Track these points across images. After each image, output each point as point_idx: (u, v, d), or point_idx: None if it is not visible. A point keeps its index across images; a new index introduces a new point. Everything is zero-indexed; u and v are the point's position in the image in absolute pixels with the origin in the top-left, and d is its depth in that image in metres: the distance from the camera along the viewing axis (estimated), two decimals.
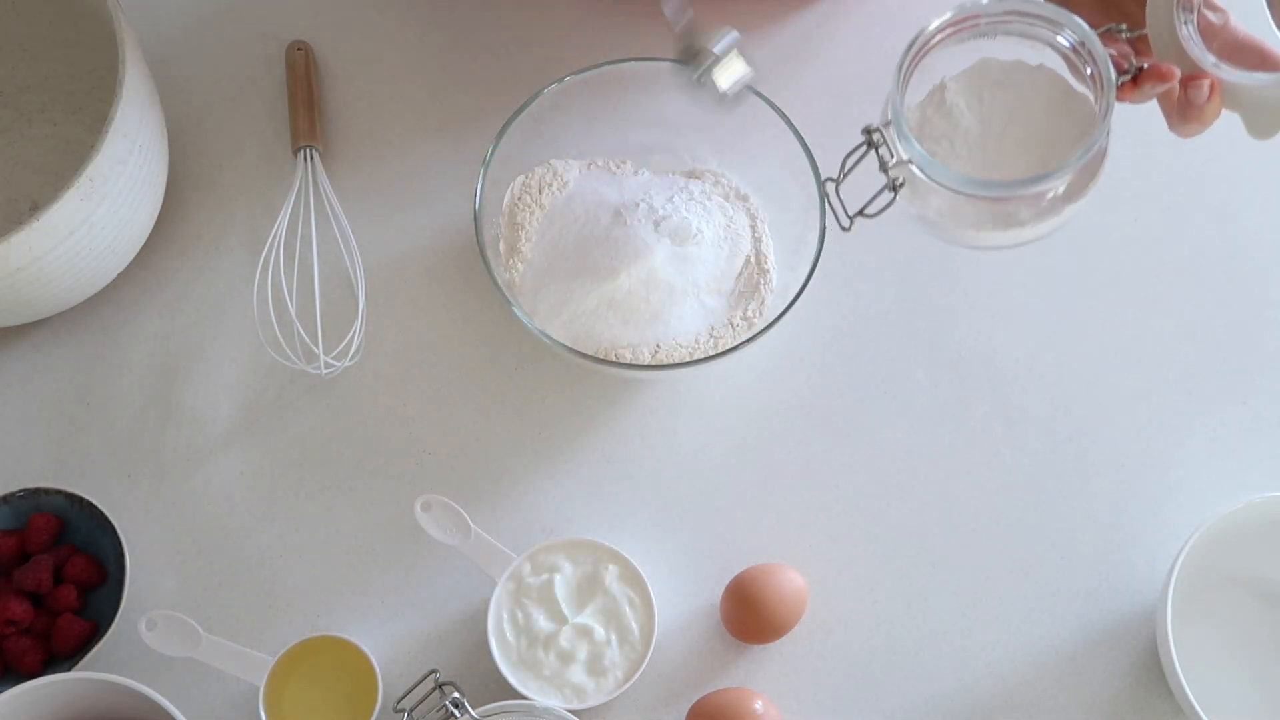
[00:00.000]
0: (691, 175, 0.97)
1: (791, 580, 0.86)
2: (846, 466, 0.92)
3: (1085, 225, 0.98)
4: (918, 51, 0.73)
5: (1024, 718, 0.86)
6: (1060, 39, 0.71)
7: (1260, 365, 0.95)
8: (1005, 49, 0.74)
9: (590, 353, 0.90)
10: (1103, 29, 0.71)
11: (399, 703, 0.83)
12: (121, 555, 0.87)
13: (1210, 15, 0.70)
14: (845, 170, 0.75)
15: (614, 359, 0.90)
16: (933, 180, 0.72)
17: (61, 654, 0.86)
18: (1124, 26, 0.71)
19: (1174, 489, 0.91)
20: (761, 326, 0.89)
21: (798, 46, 1.04)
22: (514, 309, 0.87)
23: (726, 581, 0.87)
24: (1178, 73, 0.69)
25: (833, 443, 0.93)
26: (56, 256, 0.85)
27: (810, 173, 0.89)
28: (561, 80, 0.92)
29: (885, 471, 0.92)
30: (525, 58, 1.03)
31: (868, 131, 0.73)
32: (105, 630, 0.86)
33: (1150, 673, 0.87)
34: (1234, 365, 0.95)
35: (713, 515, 0.91)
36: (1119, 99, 0.71)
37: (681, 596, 0.89)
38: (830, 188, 0.77)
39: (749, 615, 0.86)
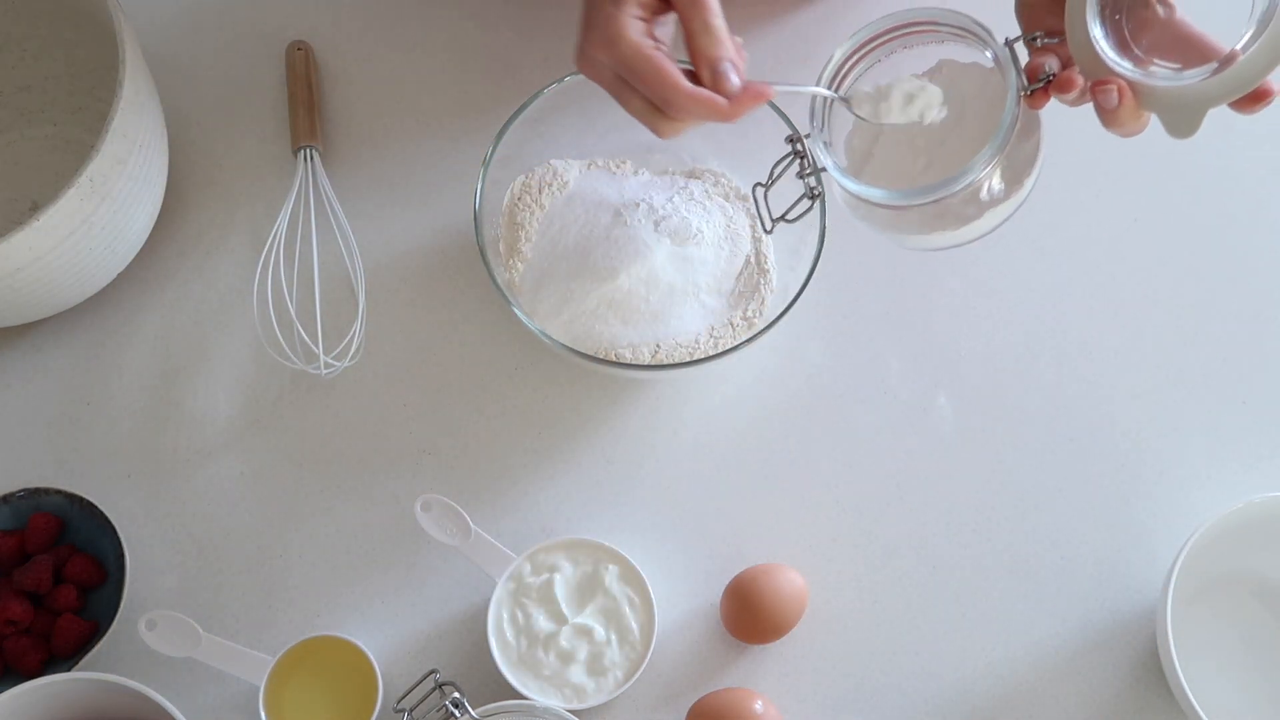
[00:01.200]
0: (691, 175, 0.97)
1: (791, 580, 0.86)
2: (846, 466, 0.92)
3: (1085, 226, 0.98)
4: (831, 78, 0.74)
5: (1024, 718, 0.86)
6: (986, 49, 0.71)
7: (1260, 365, 0.95)
8: (962, 52, 0.74)
9: (590, 353, 0.90)
10: (1028, 36, 0.71)
11: (399, 703, 0.83)
12: (121, 555, 0.87)
13: (1158, 9, 0.68)
14: (774, 177, 0.76)
15: (614, 359, 0.90)
16: (846, 191, 0.72)
17: (61, 654, 0.86)
18: (1038, 34, 0.71)
19: (1174, 489, 0.91)
20: (761, 326, 0.89)
21: (797, 46, 1.04)
22: (514, 309, 0.87)
23: (726, 581, 0.87)
24: (1079, 81, 0.69)
25: (833, 443, 0.93)
26: (56, 256, 0.85)
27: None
28: (561, 80, 0.92)
29: (885, 471, 0.92)
30: (525, 58, 1.03)
31: (791, 140, 0.74)
32: (105, 630, 0.86)
33: (1150, 673, 0.87)
34: (1234, 365, 0.95)
35: (713, 515, 0.91)
36: (1035, 106, 0.71)
37: (681, 596, 0.89)
38: (759, 193, 0.77)
39: (749, 615, 0.86)
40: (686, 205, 0.93)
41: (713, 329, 0.92)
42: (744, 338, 0.90)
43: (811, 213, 0.89)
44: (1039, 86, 0.70)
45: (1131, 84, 0.67)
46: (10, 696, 0.77)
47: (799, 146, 0.74)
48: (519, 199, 0.95)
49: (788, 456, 0.92)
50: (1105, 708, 0.86)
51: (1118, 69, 0.67)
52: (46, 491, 0.89)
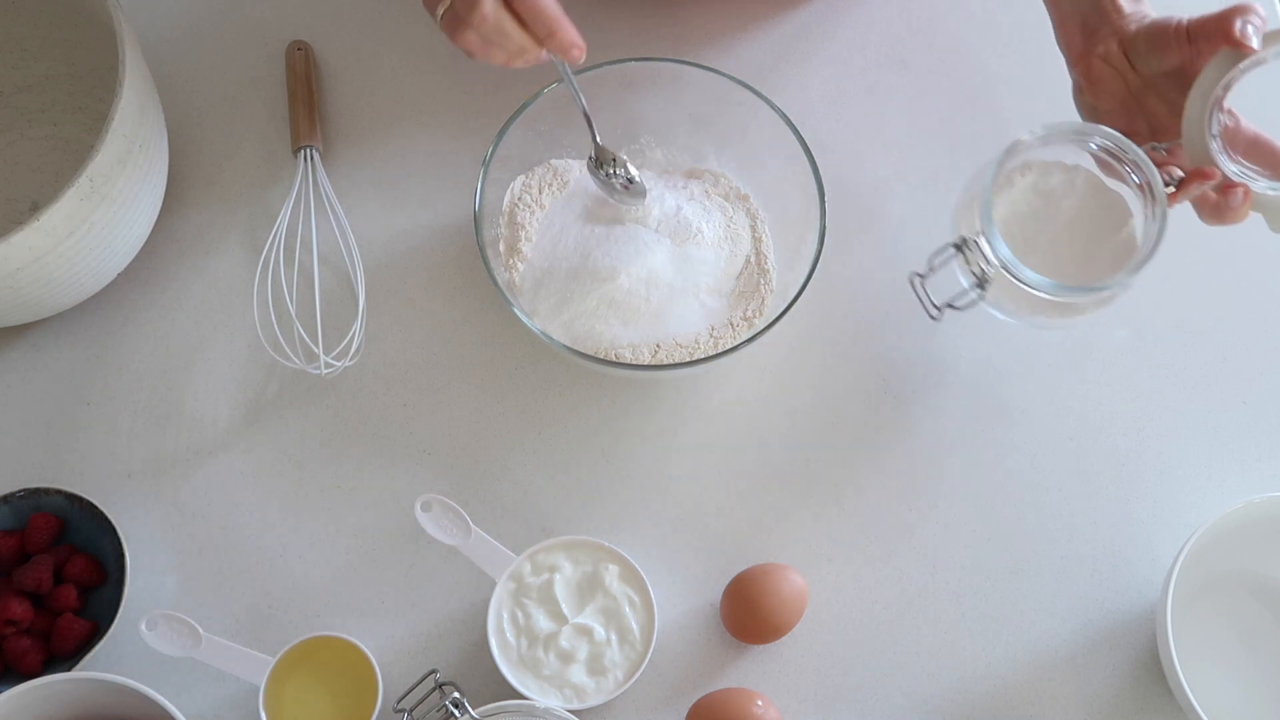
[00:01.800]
0: (691, 175, 0.97)
1: (791, 580, 0.86)
2: (846, 466, 0.92)
3: None
4: (1013, 166, 0.83)
5: (1024, 718, 0.86)
6: (1100, 152, 0.81)
7: (1260, 365, 0.95)
8: (1046, 151, 0.84)
9: (590, 353, 0.90)
10: (1150, 146, 0.81)
11: (399, 703, 0.83)
12: (121, 555, 0.87)
13: (1222, 118, 0.78)
14: (933, 267, 0.84)
15: (614, 359, 0.90)
16: (1018, 281, 0.80)
17: (61, 654, 0.86)
18: (1163, 145, 0.81)
19: (1174, 489, 0.91)
20: (761, 326, 0.89)
21: (798, 45, 1.04)
22: (514, 309, 0.87)
23: (726, 581, 0.87)
24: (1219, 173, 0.79)
25: (833, 443, 0.93)
26: (56, 256, 0.85)
27: (810, 172, 0.89)
28: (562, 80, 0.92)
29: (885, 471, 0.92)
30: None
31: (961, 240, 0.81)
32: (105, 630, 0.85)
33: (1150, 673, 0.87)
34: (1234, 365, 0.95)
35: (713, 515, 0.91)
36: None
37: (681, 596, 0.89)
38: (918, 282, 0.84)
39: (749, 615, 0.86)
40: (686, 205, 0.93)
41: (713, 329, 0.92)
42: (744, 338, 0.90)
43: (811, 213, 0.90)
44: (1170, 190, 0.80)
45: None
46: (10, 696, 0.77)
47: (965, 242, 0.81)
48: (519, 199, 0.95)
49: (788, 456, 0.92)
50: (1105, 708, 0.86)
51: (1235, 176, 0.79)
52: (46, 491, 0.89)
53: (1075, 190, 0.85)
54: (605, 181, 0.92)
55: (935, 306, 0.84)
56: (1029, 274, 0.79)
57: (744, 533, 0.91)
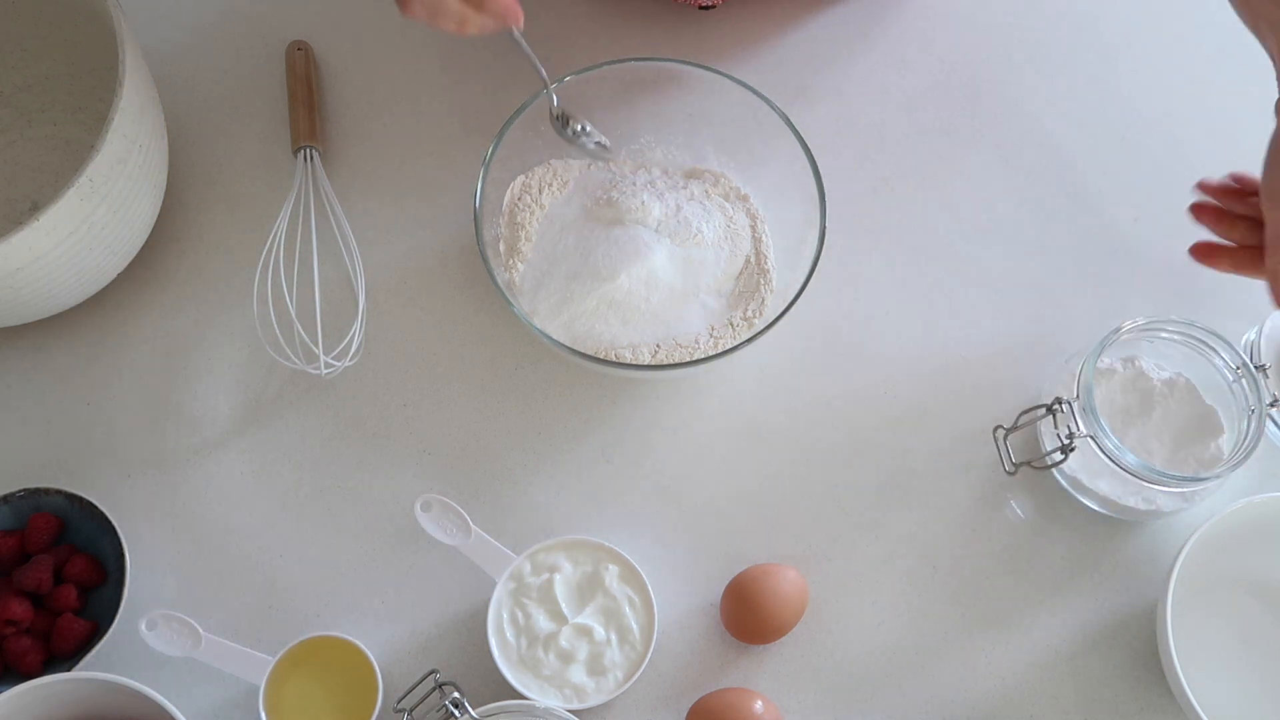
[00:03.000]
0: (691, 175, 0.97)
1: (791, 580, 0.86)
2: (846, 466, 0.92)
3: (1083, 227, 0.98)
4: (1120, 344, 0.85)
5: (1024, 718, 0.86)
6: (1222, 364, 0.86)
7: None
8: (1148, 350, 0.89)
9: (590, 353, 0.90)
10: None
11: (399, 703, 0.83)
12: (121, 555, 0.87)
13: None
14: (1017, 424, 0.86)
15: (614, 359, 0.90)
16: (1104, 454, 0.83)
17: (61, 654, 0.86)
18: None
19: None
20: (761, 326, 0.89)
21: (799, 46, 1.04)
22: (514, 309, 0.87)
23: (726, 581, 0.87)
24: None
25: (833, 442, 0.93)
26: (56, 256, 0.85)
27: (810, 172, 0.89)
28: (561, 80, 0.92)
29: (885, 471, 0.92)
30: (525, 58, 1.03)
31: (1056, 400, 0.84)
32: (105, 630, 0.85)
33: (1150, 673, 0.87)
34: None
35: (713, 515, 0.91)
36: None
37: (681, 596, 0.89)
38: (1000, 434, 0.87)
39: (749, 615, 0.86)
40: (686, 205, 0.93)
41: (713, 329, 0.92)
42: (744, 338, 0.90)
43: (811, 213, 0.90)
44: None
45: None
46: (10, 696, 0.77)
47: (1059, 408, 0.84)
48: (519, 199, 0.95)
49: (788, 456, 0.92)
50: (1105, 708, 0.86)
51: None
52: (46, 491, 0.89)
53: (1173, 396, 0.88)
54: (573, 140, 0.93)
55: (1012, 463, 0.86)
56: (1111, 443, 0.82)
57: (744, 533, 0.91)
